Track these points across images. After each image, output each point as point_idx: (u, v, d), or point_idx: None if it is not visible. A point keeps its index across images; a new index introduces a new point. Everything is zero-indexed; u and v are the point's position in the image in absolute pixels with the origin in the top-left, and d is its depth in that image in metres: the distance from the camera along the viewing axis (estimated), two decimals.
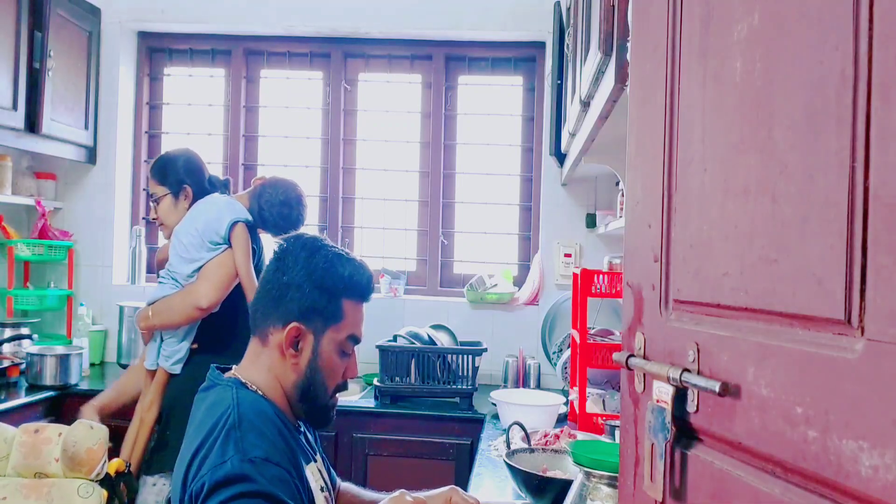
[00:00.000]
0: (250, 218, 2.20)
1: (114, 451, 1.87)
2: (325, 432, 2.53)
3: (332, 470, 1.48)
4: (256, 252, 2.23)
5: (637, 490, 0.82)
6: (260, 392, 1.26)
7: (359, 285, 1.30)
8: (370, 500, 1.51)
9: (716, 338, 0.69)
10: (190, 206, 2.25)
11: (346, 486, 1.53)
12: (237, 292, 2.14)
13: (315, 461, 1.33)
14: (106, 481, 1.75)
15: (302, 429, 1.36)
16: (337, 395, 1.33)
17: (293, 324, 1.25)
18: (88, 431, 1.73)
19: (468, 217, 3.41)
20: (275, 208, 2.25)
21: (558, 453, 1.72)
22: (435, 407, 2.64)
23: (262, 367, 1.28)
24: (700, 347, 0.71)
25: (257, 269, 2.18)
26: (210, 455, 1.12)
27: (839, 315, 0.52)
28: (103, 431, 1.77)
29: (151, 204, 2.31)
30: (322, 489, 1.31)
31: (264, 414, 1.20)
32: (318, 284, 1.26)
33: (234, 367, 1.32)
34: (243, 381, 1.26)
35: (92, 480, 1.73)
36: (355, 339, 1.32)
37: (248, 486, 1.07)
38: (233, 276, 2.13)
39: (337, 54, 3.40)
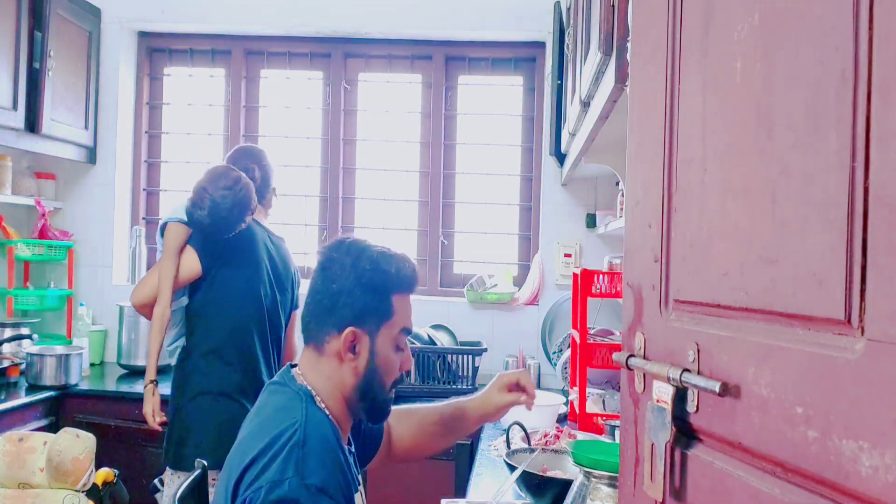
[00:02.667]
0: (183, 217, 2.17)
1: (101, 461, 1.83)
2: None
3: (373, 430, 1.47)
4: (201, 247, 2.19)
5: (637, 490, 0.82)
6: (324, 406, 1.25)
7: (406, 279, 1.30)
8: (428, 412, 1.52)
9: (716, 338, 0.69)
10: None
11: (397, 410, 1.49)
12: (225, 300, 2.16)
13: (360, 485, 1.32)
14: (93, 492, 1.70)
15: (353, 448, 1.35)
16: (394, 389, 1.33)
17: (349, 329, 1.25)
18: (74, 440, 1.67)
19: (468, 217, 3.41)
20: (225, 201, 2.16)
21: (558, 453, 1.72)
22: None
23: (322, 375, 1.28)
24: (700, 347, 0.71)
25: (245, 259, 2.20)
26: (270, 468, 1.11)
27: (839, 315, 0.52)
28: (90, 440, 1.72)
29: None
30: None
31: (328, 442, 1.19)
32: (368, 286, 1.26)
33: (298, 367, 1.31)
34: (312, 392, 1.26)
35: (78, 491, 1.67)
36: (408, 332, 1.33)
37: None
38: (161, 277, 2.13)
39: (337, 54, 3.40)
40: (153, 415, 2.17)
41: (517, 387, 1.51)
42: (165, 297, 2.12)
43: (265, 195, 2.34)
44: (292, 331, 2.37)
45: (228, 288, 2.19)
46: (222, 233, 2.16)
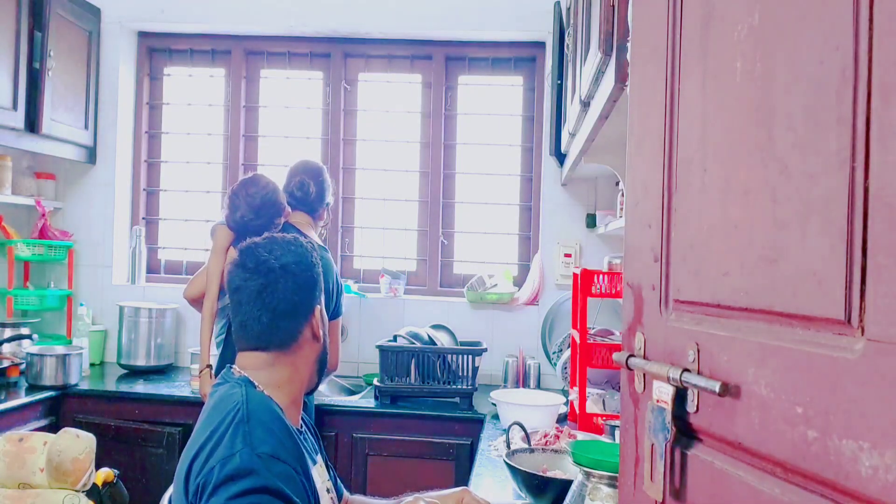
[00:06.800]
0: (221, 220, 2.44)
1: (101, 462, 1.82)
2: (326, 432, 2.53)
3: (338, 480, 1.49)
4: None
5: (637, 490, 0.82)
6: (266, 393, 1.28)
7: None
8: None
9: (716, 338, 0.69)
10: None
11: (353, 498, 1.54)
12: None
13: (316, 462, 1.34)
14: (93, 492, 1.70)
15: (303, 429, 1.38)
16: None
17: (317, 307, 1.35)
18: (74, 440, 1.67)
19: (468, 217, 3.40)
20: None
21: (558, 453, 1.72)
22: (435, 407, 2.64)
23: (283, 367, 1.31)
24: (700, 347, 0.71)
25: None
26: (218, 448, 1.13)
27: (839, 315, 0.52)
28: (90, 440, 1.71)
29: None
30: (328, 490, 1.32)
31: (273, 412, 1.23)
32: (315, 264, 1.38)
33: (237, 367, 1.34)
34: (252, 380, 1.29)
35: (78, 491, 1.67)
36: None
37: (255, 480, 1.09)
38: (209, 275, 2.37)
39: (337, 54, 3.40)
40: None
41: None
42: (213, 292, 2.35)
43: (318, 209, 2.57)
44: (336, 336, 2.45)
45: None
46: (258, 231, 2.38)
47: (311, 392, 1.44)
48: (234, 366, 1.34)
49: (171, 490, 1.38)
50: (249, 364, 1.32)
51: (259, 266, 1.31)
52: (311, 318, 1.33)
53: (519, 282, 3.29)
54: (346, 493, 1.52)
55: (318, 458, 1.39)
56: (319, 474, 1.32)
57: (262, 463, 1.10)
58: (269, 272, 1.30)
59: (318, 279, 1.37)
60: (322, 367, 1.39)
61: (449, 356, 2.73)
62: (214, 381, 1.36)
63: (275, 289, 1.30)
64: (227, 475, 1.09)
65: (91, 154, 3.29)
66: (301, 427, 1.37)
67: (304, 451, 1.26)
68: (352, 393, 2.98)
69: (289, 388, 1.31)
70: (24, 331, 2.90)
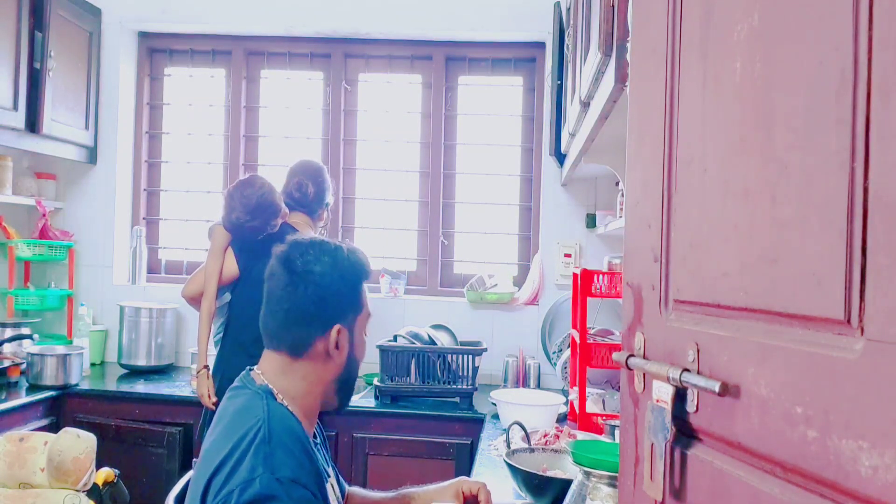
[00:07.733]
0: (218, 221, 2.46)
1: (101, 461, 1.82)
2: (326, 432, 2.52)
3: (340, 476, 1.49)
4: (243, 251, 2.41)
5: (637, 490, 0.82)
6: (286, 403, 1.26)
7: (368, 267, 1.36)
8: (380, 499, 1.52)
9: (716, 338, 0.69)
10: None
11: (352, 489, 1.53)
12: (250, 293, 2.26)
13: (330, 477, 1.33)
14: (93, 492, 1.70)
15: (317, 440, 1.36)
16: None
17: (336, 326, 1.28)
18: (75, 440, 1.67)
19: (468, 217, 3.41)
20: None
21: (558, 453, 1.72)
22: (435, 407, 2.64)
23: (296, 376, 1.28)
24: (700, 347, 0.71)
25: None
26: (238, 468, 1.10)
27: (839, 315, 0.52)
28: (90, 440, 1.71)
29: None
30: None
31: (293, 432, 1.19)
32: (349, 284, 1.30)
33: (258, 369, 1.31)
34: (272, 389, 1.26)
35: (79, 491, 1.67)
36: (368, 315, 1.37)
37: None
38: (206, 274, 2.39)
39: (337, 54, 3.40)
40: (208, 395, 2.35)
41: (474, 500, 1.42)
42: (210, 292, 2.37)
43: (317, 210, 2.59)
44: None
45: (258, 289, 2.29)
46: (254, 232, 2.38)
47: (336, 411, 1.41)
48: (254, 368, 1.31)
49: (176, 490, 1.38)
50: (268, 368, 1.29)
51: (287, 264, 1.28)
52: (327, 334, 1.27)
53: (519, 282, 3.29)
54: (346, 487, 1.52)
55: (330, 469, 1.37)
56: (331, 490, 1.30)
57: (282, 489, 1.08)
58: (292, 273, 1.27)
59: (348, 298, 1.30)
60: (343, 390, 1.34)
61: (449, 356, 2.73)
62: (233, 384, 1.32)
63: (293, 291, 1.27)
64: (247, 501, 1.07)
65: (92, 154, 3.29)
66: (315, 437, 1.35)
67: (322, 469, 1.24)
68: None
69: (303, 403, 1.28)
70: (25, 331, 2.90)
